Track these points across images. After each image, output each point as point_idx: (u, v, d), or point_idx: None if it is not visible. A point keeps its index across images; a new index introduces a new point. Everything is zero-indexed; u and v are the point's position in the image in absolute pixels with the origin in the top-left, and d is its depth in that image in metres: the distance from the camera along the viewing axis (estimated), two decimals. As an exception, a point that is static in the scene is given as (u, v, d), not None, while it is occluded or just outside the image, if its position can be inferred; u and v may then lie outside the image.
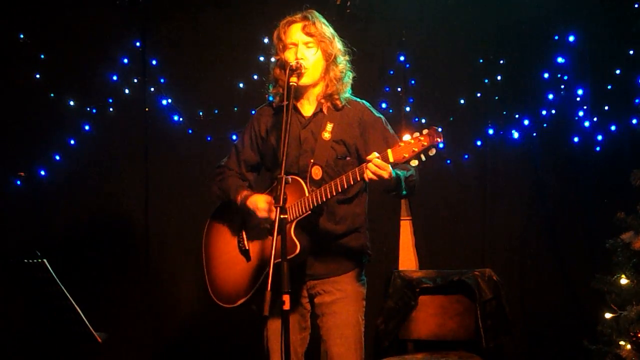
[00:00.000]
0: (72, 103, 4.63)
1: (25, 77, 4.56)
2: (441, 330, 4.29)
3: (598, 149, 4.64)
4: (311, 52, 2.96)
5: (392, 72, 4.78)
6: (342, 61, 3.03)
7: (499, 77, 4.72)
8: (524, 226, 4.74)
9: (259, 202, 2.96)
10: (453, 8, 4.68)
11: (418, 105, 4.77)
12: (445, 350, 4.18)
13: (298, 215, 2.86)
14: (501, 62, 4.71)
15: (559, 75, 4.67)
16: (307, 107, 3.06)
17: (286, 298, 2.46)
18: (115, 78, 4.66)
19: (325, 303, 3.02)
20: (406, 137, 2.66)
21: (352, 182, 2.76)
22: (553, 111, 4.70)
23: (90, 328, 3.21)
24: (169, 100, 4.71)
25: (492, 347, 4.10)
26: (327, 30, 3.01)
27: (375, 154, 2.68)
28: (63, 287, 3.16)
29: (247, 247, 3.08)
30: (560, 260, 4.68)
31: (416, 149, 2.62)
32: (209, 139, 4.73)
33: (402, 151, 2.65)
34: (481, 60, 4.74)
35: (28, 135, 4.56)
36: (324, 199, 2.81)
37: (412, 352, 4.27)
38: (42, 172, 4.59)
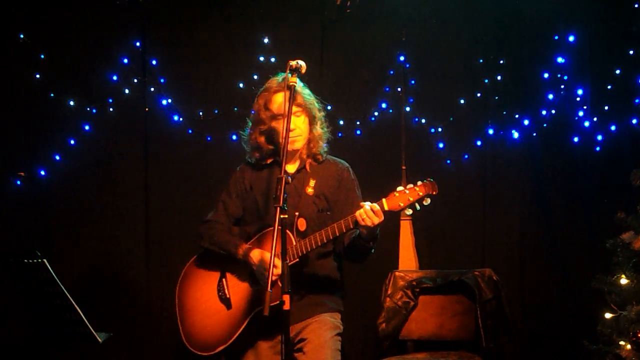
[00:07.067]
0: (72, 103, 4.62)
1: (25, 77, 4.56)
2: (441, 330, 4.29)
3: (598, 149, 4.64)
4: (301, 120, 3.11)
5: (392, 72, 4.77)
6: (321, 117, 3.20)
7: (499, 77, 4.72)
8: (524, 226, 4.74)
9: (264, 257, 3.02)
10: (453, 8, 4.68)
11: (418, 105, 4.77)
12: (445, 350, 4.18)
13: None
14: (501, 62, 4.72)
15: (559, 75, 4.67)
16: (290, 166, 3.20)
17: (286, 298, 2.51)
18: (115, 78, 4.66)
19: (303, 335, 3.09)
20: (400, 188, 2.84)
21: (344, 229, 2.89)
22: (553, 111, 4.70)
23: (90, 328, 3.20)
24: (169, 100, 4.71)
25: (492, 347, 4.10)
26: (308, 94, 3.16)
27: (369, 202, 2.83)
28: (63, 287, 3.15)
29: (228, 296, 3.16)
30: (560, 260, 4.68)
31: (412, 199, 2.81)
32: (209, 139, 4.73)
33: (397, 200, 2.82)
34: (481, 60, 4.74)
35: (28, 135, 4.56)
36: (314, 246, 2.93)
37: (412, 352, 4.27)
38: (42, 172, 4.58)
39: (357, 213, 2.82)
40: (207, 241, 3.23)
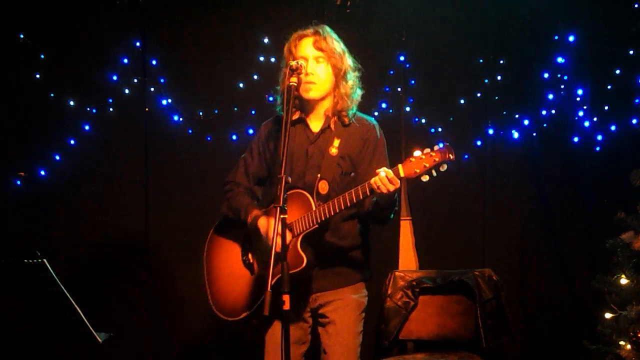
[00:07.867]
0: (72, 103, 4.63)
1: (25, 77, 4.56)
2: (441, 330, 4.29)
3: (598, 149, 4.64)
4: (321, 67, 2.98)
5: (392, 72, 4.77)
6: (352, 77, 3.07)
7: (499, 77, 4.71)
8: (524, 226, 4.73)
9: (270, 229, 2.92)
10: (453, 8, 4.68)
11: (418, 105, 4.77)
12: (445, 351, 4.18)
13: (305, 229, 2.87)
14: (501, 62, 4.71)
15: (559, 75, 4.67)
16: (316, 123, 3.08)
17: (286, 298, 2.47)
18: (115, 78, 4.66)
19: (327, 312, 3.05)
20: (417, 152, 2.70)
21: (361, 197, 2.77)
22: (553, 111, 4.70)
23: (91, 328, 3.20)
24: (169, 100, 4.71)
25: (492, 347, 4.10)
26: (338, 45, 3.04)
27: (385, 168, 2.72)
28: (63, 287, 3.15)
29: (251, 261, 3.08)
30: (560, 260, 4.68)
31: (427, 165, 2.68)
32: (209, 139, 4.73)
33: (413, 166, 2.69)
34: (481, 60, 4.73)
35: (28, 135, 4.56)
36: (332, 213, 2.83)
37: (412, 352, 4.26)
38: (42, 172, 4.59)
39: (372, 180, 2.71)
40: (226, 207, 3.16)
